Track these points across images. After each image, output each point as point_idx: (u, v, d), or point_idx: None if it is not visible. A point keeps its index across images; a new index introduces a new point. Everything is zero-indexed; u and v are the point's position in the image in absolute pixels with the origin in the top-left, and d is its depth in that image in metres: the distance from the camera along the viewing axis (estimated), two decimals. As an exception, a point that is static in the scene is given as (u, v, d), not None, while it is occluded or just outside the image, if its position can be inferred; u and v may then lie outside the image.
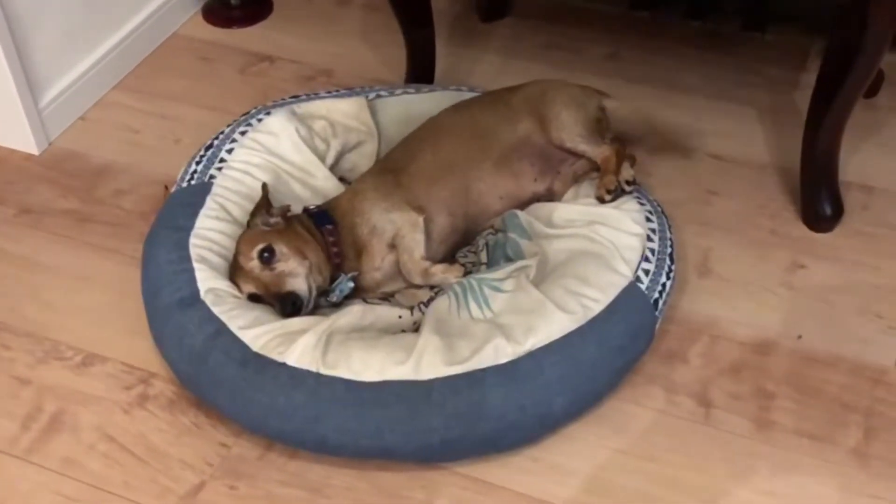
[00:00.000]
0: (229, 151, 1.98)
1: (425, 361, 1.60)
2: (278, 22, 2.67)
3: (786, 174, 2.13)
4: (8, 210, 2.15)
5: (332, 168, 2.02)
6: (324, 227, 1.81)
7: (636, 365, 1.76)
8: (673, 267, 1.83)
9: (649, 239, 1.81)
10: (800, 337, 1.84)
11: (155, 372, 1.81)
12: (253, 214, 1.80)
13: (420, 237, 1.79)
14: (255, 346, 1.65)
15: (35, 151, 2.28)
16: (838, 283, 1.93)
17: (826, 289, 1.92)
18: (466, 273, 1.81)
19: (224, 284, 1.75)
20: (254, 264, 1.73)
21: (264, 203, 1.79)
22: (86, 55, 2.38)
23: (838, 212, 2.03)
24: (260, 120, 2.03)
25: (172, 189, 1.96)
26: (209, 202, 1.88)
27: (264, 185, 1.82)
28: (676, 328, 1.85)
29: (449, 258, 1.89)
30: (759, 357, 1.81)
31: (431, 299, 1.78)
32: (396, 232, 1.79)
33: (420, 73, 2.34)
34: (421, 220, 1.80)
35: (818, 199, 2.02)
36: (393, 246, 1.80)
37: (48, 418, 1.75)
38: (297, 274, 1.72)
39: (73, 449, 1.70)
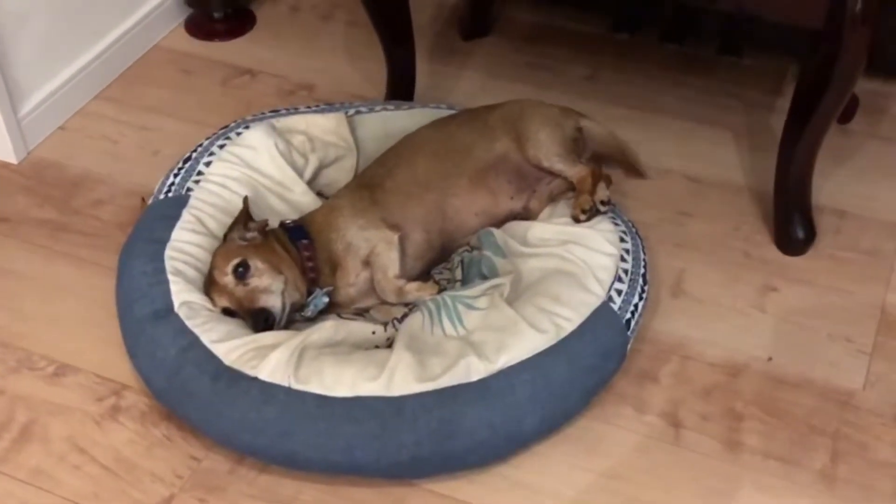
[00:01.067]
0: (207, 164, 1.98)
1: (397, 378, 1.61)
2: (261, 36, 2.68)
3: (760, 197, 2.15)
4: (-16, 219, 2.15)
5: (310, 183, 2.03)
6: (299, 241, 1.82)
7: (607, 384, 1.77)
8: (646, 287, 1.84)
9: (623, 259, 1.83)
10: (770, 359, 1.85)
11: (127, 384, 1.81)
12: (231, 228, 1.80)
13: (395, 256, 1.80)
14: (228, 360, 1.65)
15: (13, 160, 2.28)
16: (809, 306, 1.95)
17: (797, 312, 1.94)
18: (441, 290, 1.82)
19: (198, 297, 1.75)
20: (228, 279, 1.74)
21: (244, 216, 1.80)
22: (67, 65, 2.39)
23: (811, 235, 2.05)
24: (239, 133, 2.03)
25: (150, 201, 1.96)
26: (185, 215, 1.89)
27: (245, 199, 1.83)
28: (648, 348, 1.87)
29: (424, 275, 1.90)
30: (729, 378, 1.82)
31: (405, 315, 1.78)
32: (371, 250, 1.80)
33: (400, 89, 2.35)
34: (396, 238, 1.81)
35: (791, 222, 2.04)
36: (368, 263, 1.81)
37: (19, 428, 1.75)
38: (270, 290, 1.73)
39: (44, 460, 1.70)
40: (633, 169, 2.17)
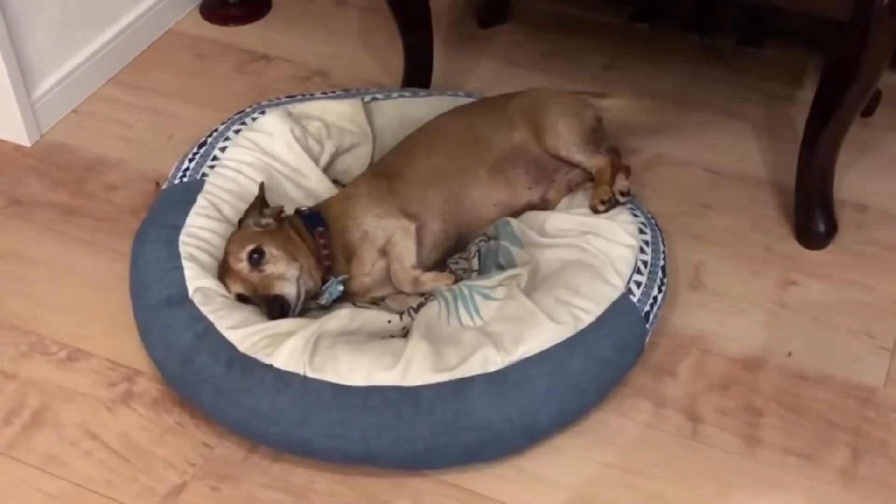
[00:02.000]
0: (222, 149, 1.96)
1: (413, 368, 1.59)
2: (276, 21, 2.66)
3: (780, 190, 2.13)
4: (-3, 201, 2.13)
5: (326, 170, 2.01)
6: (315, 229, 1.80)
7: (625, 378, 1.75)
8: (665, 280, 1.82)
9: (642, 251, 1.81)
10: (790, 354, 1.83)
11: (140, 370, 1.79)
12: (246, 214, 1.79)
13: (411, 246, 1.78)
14: (243, 347, 1.64)
15: (27, 143, 2.26)
16: (830, 301, 1.93)
17: (817, 307, 1.92)
18: (457, 280, 1.80)
19: (213, 283, 1.74)
20: (243, 265, 1.72)
21: (259, 202, 1.78)
22: (81, 48, 2.37)
23: (832, 230, 2.03)
24: (254, 119, 2.02)
25: (164, 186, 1.95)
26: (200, 200, 1.87)
27: (261, 185, 1.81)
28: (666, 342, 1.85)
29: (440, 265, 1.88)
30: (748, 373, 1.80)
31: (421, 305, 1.77)
32: (388, 239, 1.78)
33: (417, 77, 2.33)
34: (413, 228, 1.79)
35: (812, 216, 2.01)
36: (384, 252, 1.79)
37: (31, 414, 1.73)
38: (285, 277, 1.71)
39: (56, 445, 1.69)
40: (672, 126, 2.13)
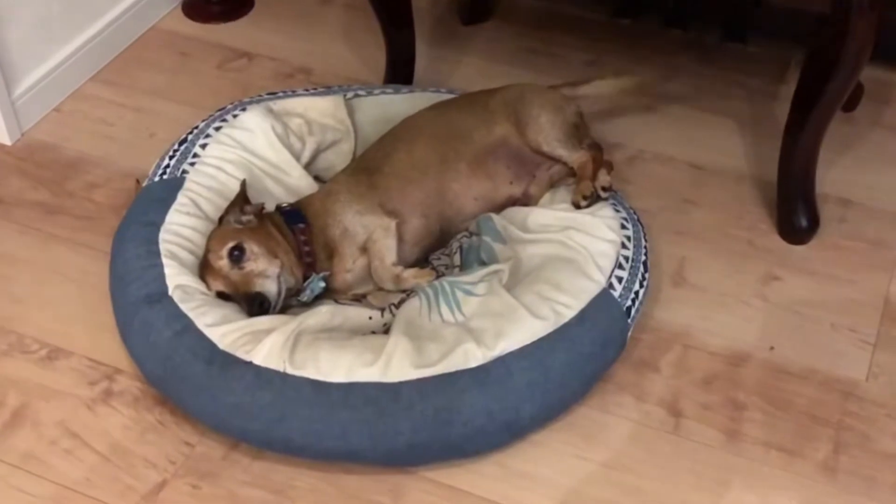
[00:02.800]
0: (203, 147, 1.95)
1: (394, 364, 1.58)
2: (258, 18, 2.65)
3: (763, 185, 2.13)
4: (-23, 200, 2.12)
5: (308, 166, 2.00)
6: (296, 226, 1.79)
7: (607, 373, 1.75)
8: (647, 275, 1.82)
9: (624, 246, 1.80)
10: (772, 349, 1.83)
11: (121, 368, 1.78)
12: (227, 211, 1.78)
13: (392, 243, 1.78)
14: (222, 344, 1.63)
15: (7, 142, 2.25)
16: (812, 295, 1.93)
17: (800, 301, 1.91)
18: (439, 276, 1.79)
19: (192, 281, 1.73)
20: (223, 263, 1.71)
21: (241, 199, 1.77)
22: (62, 46, 2.35)
23: (814, 224, 2.03)
24: (235, 116, 2.01)
25: (144, 183, 1.94)
26: (180, 197, 1.86)
27: (243, 182, 1.80)
28: (648, 337, 1.84)
29: (422, 261, 1.87)
30: (730, 368, 1.80)
31: (403, 301, 1.76)
32: (368, 236, 1.78)
33: (399, 73, 2.32)
34: (393, 224, 1.78)
35: (794, 211, 2.01)
36: (365, 249, 1.78)
37: (10, 412, 1.72)
38: (266, 274, 1.70)
39: (35, 444, 1.68)
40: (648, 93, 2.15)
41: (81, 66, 2.40)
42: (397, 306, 1.75)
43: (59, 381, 1.77)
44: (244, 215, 1.76)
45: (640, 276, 1.79)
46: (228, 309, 1.69)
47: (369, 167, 1.87)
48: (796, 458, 1.66)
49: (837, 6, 1.74)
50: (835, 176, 2.15)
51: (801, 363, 1.81)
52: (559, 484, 1.63)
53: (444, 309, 1.69)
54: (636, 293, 1.76)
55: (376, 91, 2.15)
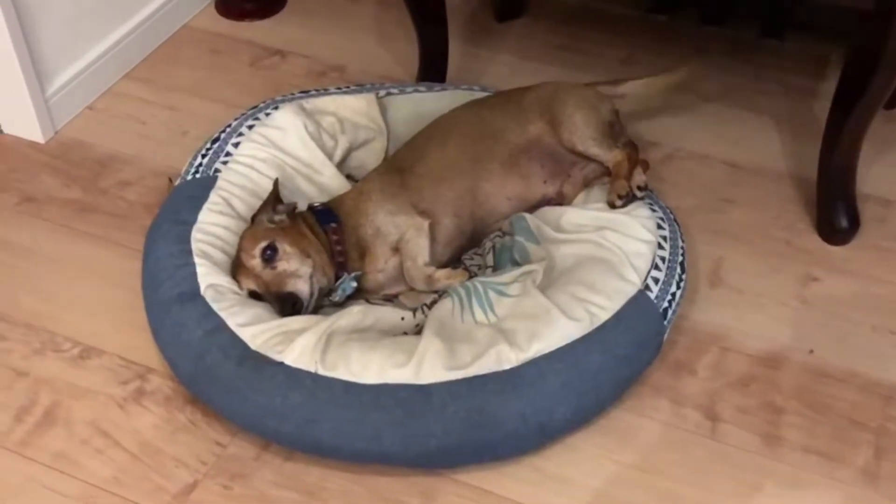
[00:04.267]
0: (235, 145, 1.95)
1: (426, 365, 1.57)
2: (291, 16, 2.64)
3: (802, 184, 2.09)
4: (10, 198, 2.12)
5: (340, 165, 1.99)
6: (328, 225, 1.78)
7: (642, 375, 1.72)
8: (683, 276, 1.79)
9: (660, 246, 1.78)
10: (811, 351, 1.80)
11: (152, 367, 1.78)
12: (260, 210, 1.77)
13: (424, 243, 1.76)
14: (254, 344, 1.62)
15: (41, 140, 2.25)
16: (853, 297, 1.89)
17: (840, 303, 1.88)
18: (472, 276, 1.77)
19: (225, 280, 1.72)
20: (256, 262, 1.70)
21: (273, 198, 1.76)
22: (95, 44, 2.36)
23: (854, 224, 1.99)
24: (268, 114, 2.00)
25: (177, 182, 1.93)
26: (213, 196, 1.86)
27: (276, 181, 1.79)
28: (685, 339, 1.81)
29: (455, 261, 1.86)
30: (768, 371, 1.77)
31: (435, 301, 1.74)
32: (401, 236, 1.76)
33: (432, 71, 2.31)
34: (426, 224, 1.77)
35: (834, 210, 1.98)
36: (397, 249, 1.77)
37: (42, 411, 1.72)
38: (298, 274, 1.69)
39: (67, 443, 1.67)
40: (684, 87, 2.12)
41: (114, 63, 2.40)
42: (429, 307, 1.73)
43: (91, 379, 1.77)
44: (277, 214, 1.75)
45: (676, 276, 1.76)
46: (260, 308, 1.68)
47: (402, 166, 1.86)
48: (836, 463, 1.63)
49: (881, 2, 1.70)
50: (876, 175, 2.11)
51: (840, 366, 1.77)
52: (593, 488, 1.60)
53: (477, 310, 1.68)
54: (673, 294, 1.73)
55: (409, 89, 2.14)
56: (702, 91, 2.33)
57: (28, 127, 2.24)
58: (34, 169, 2.19)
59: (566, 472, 1.62)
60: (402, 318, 1.73)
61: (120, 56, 2.41)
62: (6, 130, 2.28)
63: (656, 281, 1.72)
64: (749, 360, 1.78)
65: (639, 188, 1.83)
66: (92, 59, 2.34)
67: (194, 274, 1.72)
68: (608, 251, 1.74)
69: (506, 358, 1.58)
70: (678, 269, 1.78)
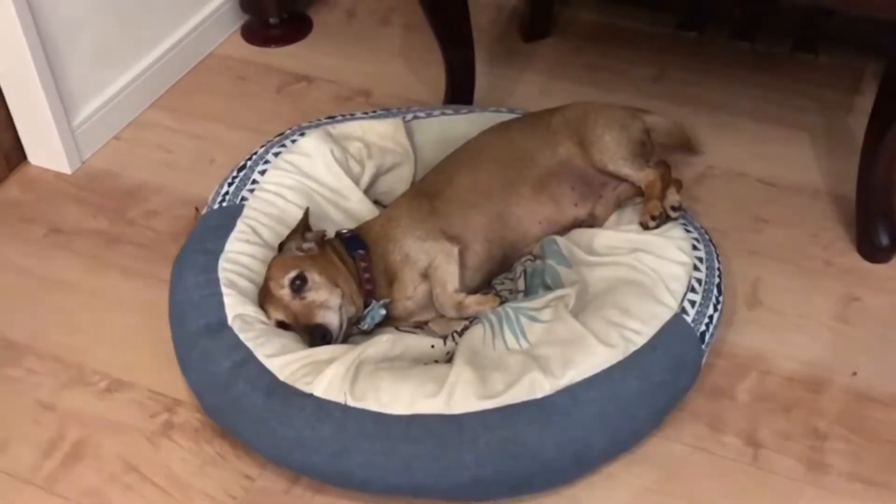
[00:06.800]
0: (262, 173, 1.93)
1: (457, 395, 1.53)
2: (317, 41, 2.63)
3: (840, 202, 2.05)
4: (38, 230, 2.12)
5: (367, 191, 1.97)
6: (356, 252, 1.75)
7: (680, 402, 1.68)
8: (720, 298, 1.74)
9: (696, 268, 1.74)
10: (854, 374, 1.75)
11: (181, 399, 1.76)
12: (289, 237, 1.75)
13: (454, 269, 1.73)
14: (282, 375, 1.59)
15: (68, 170, 2.25)
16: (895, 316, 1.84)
17: (882, 323, 1.83)
18: (502, 302, 1.74)
19: (252, 310, 1.70)
20: (284, 292, 1.68)
21: (303, 227, 1.74)
22: (121, 74, 2.36)
23: (896, 242, 1.94)
24: (294, 141, 1.98)
25: (203, 211, 1.91)
26: (240, 224, 1.84)
27: (307, 210, 1.77)
28: (723, 363, 1.77)
29: (485, 286, 1.82)
30: (810, 395, 1.72)
31: (466, 328, 1.71)
32: (430, 262, 1.73)
33: (459, 93, 2.28)
34: (455, 250, 1.74)
35: (874, 228, 1.93)
36: (426, 275, 1.74)
37: (71, 446, 1.71)
38: (328, 305, 1.66)
39: (96, 478, 1.66)
40: (689, 147, 2.12)
41: (141, 93, 2.40)
42: (460, 334, 1.70)
43: (120, 413, 1.75)
44: (306, 242, 1.73)
45: (713, 299, 1.72)
46: (288, 339, 1.66)
47: (430, 191, 1.83)
48: (883, 490, 1.59)
49: (918, 13, 1.66)
50: (916, 190, 2.06)
51: (886, 389, 1.72)
52: (632, 518, 1.57)
53: (509, 336, 1.64)
54: (710, 317, 1.69)
55: (436, 112, 2.11)
56: (735, 108, 2.29)
57: (55, 157, 2.24)
58: (61, 200, 2.19)
59: (605, 503, 1.58)
60: (433, 346, 1.70)
61: (146, 85, 2.41)
62: (33, 161, 2.27)
63: (693, 304, 1.68)
64: (790, 384, 1.74)
65: (672, 208, 1.79)
66: (118, 89, 2.34)
67: (222, 304, 1.70)
68: (643, 274, 1.70)
69: (539, 386, 1.54)
70: (715, 291, 1.73)
